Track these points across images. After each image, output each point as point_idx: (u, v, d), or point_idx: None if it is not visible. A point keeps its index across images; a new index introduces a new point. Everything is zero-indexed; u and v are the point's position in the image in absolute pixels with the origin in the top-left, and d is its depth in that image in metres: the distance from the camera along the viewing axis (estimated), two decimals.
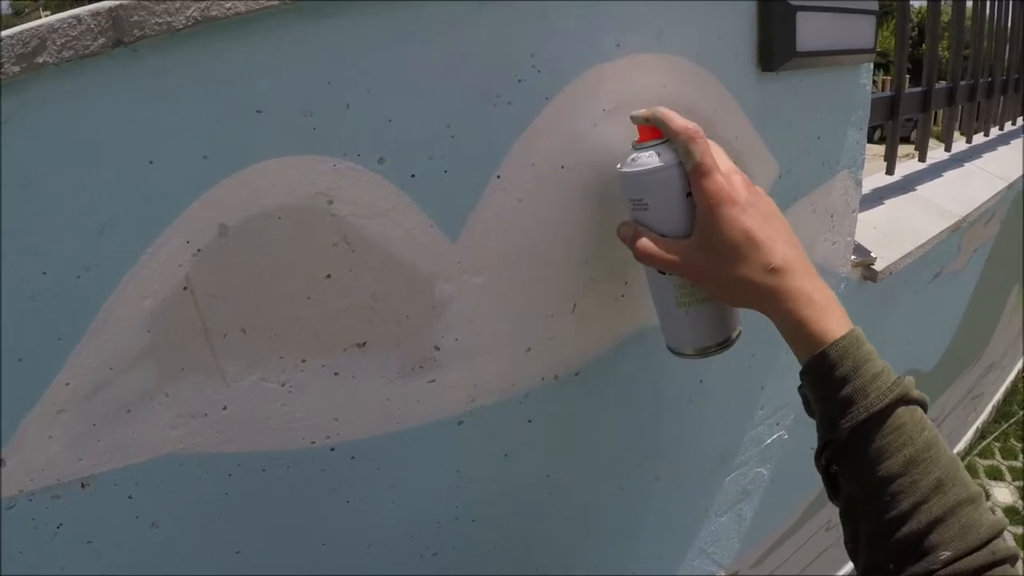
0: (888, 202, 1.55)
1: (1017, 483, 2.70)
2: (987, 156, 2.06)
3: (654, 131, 0.58)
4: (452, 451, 0.68)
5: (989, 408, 2.88)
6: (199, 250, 0.48)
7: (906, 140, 1.93)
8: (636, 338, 0.77)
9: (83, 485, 0.51)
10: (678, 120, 0.55)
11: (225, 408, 0.52)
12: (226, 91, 0.47)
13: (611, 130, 0.64)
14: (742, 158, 0.78)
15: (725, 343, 0.63)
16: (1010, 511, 2.56)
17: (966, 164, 1.93)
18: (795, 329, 0.53)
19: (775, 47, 0.75)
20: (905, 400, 0.49)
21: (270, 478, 0.57)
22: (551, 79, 0.59)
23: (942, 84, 1.77)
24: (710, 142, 0.57)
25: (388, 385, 0.60)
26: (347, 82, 0.50)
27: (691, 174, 0.55)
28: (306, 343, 0.54)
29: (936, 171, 1.82)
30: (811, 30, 0.78)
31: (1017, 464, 2.80)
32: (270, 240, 0.50)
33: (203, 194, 0.47)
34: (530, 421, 0.72)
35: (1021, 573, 0.45)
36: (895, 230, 1.42)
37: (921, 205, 1.59)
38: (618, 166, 0.61)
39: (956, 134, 2.05)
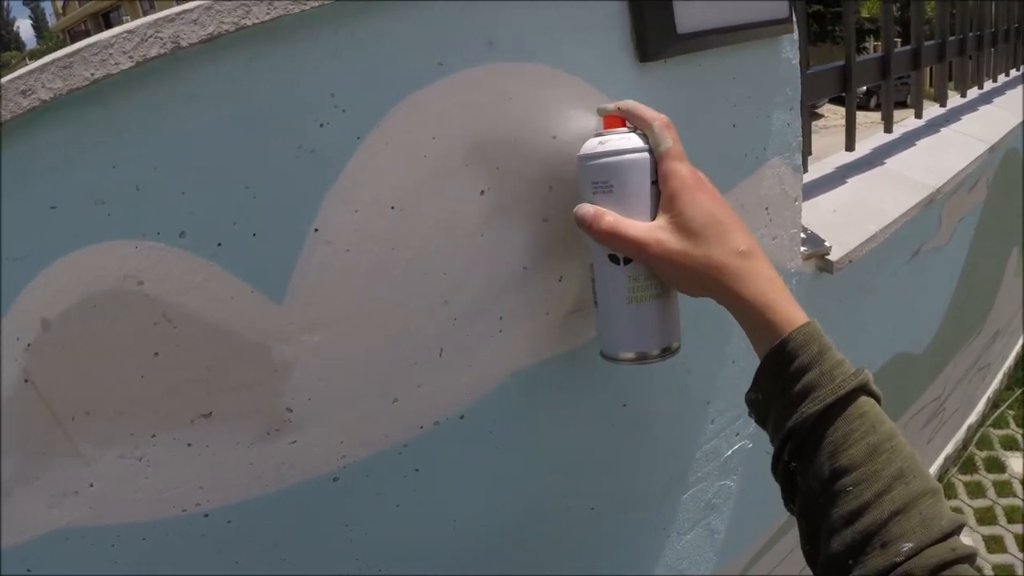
0: (852, 180, 1.45)
1: None
2: (966, 118, 1.94)
3: (619, 121, 0.59)
4: (334, 507, 0.65)
5: (999, 376, 2.76)
6: (29, 345, 0.49)
7: (902, 104, 1.83)
8: (528, 376, 0.70)
9: None
10: (649, 109, 0.57)
11: (92, 485, 0.53)
12: (19, 192, 0.46)
13: (446, 157, 0.59)
14: None
15: (665, 351, 0.61)
16: None
17: (943, 129, 1.82)
18: (761, 310, 0.52)
19: (650, 33, 0.66)
20: (867, 390, 0.49)
21: (151, 546, 0.57)
22: (359, 117, 0.55)
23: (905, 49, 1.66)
24: None
25: (246, 451, 0.58)
26: (131, 163, 0.48)
27: (663, 157, 0.56)
28: (151, 419, 0.53)
29: (908, 140, 1.71)
30: (695, 9, 0.70)
31: None
32: (92, 327, 0.50)
33: (21, 292, 0.48)
34: (417, 470, 0.68)
35: (978, 571, 0.44)
36: (859, 212, 1.33)
37: (889, 179, 1.49)
38: (580, 153, 0.60)
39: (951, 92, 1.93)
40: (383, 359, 0.61)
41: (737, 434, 1.04)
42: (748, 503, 1.14)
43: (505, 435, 0.72)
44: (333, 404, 0.60)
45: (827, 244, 1.11)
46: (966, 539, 2.20)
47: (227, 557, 0.61)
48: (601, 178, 0.57)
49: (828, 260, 1.12)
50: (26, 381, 0.49)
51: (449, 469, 0.70)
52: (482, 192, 0.61)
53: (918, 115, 1.83)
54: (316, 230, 0.54)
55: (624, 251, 0.57)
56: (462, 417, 0.68)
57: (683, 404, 0.93)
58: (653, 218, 0.56)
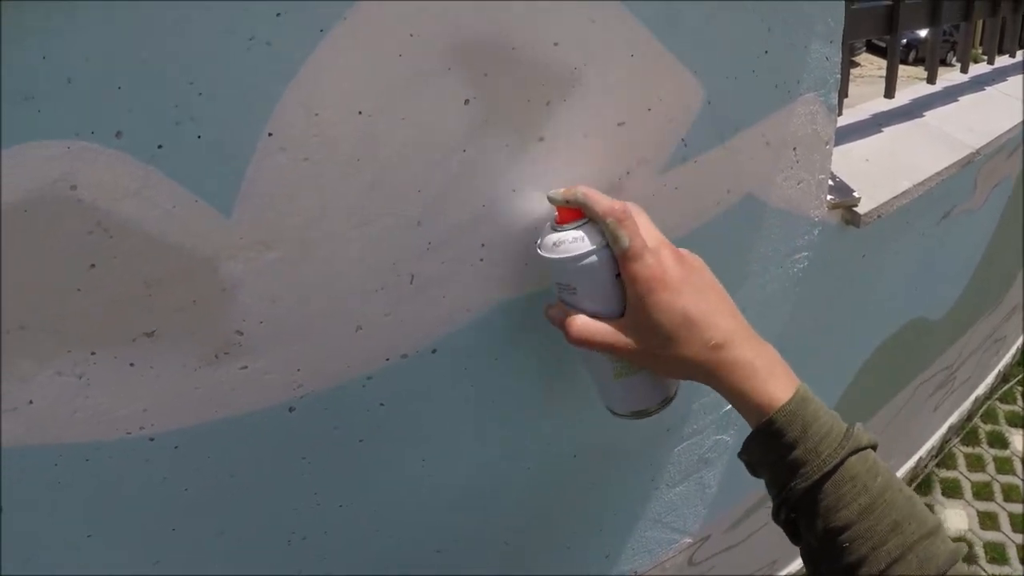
0: (888, 130, 1.33)
1: None
2: (1013, 80, 1.78)
3: (575, 211, 0.54)
4: (289, 438, 0.60)
5: (1013, 350, 2.66)
6: None
7: (943, 63, 1.68)
8: (511, 307, 0.64)
9: None
10: (603, 202, 0.52)
11: (31, 402, 0.48)
12: None
13: (425, 59, 0.51)
14: (646, 79, 0.61)
15: (665, 402, 0.60)
16: None
17: (987, 88, 1.67)
18: (740, 400, 0.52)
19: None
20: (859, 449, 0.49)
21: (95, 468, 0.53)
22: (322, 6, 0.46)
23: None
24: (635, 209, 0.54)
25: (193, 374, 0.53)
26: (62, 53, 0.40)
27: (620, 259, 0.52)
28: (90, 335, 0.48)
29: (951, 95, 1.57)
30: None
31: None
32: (23, 235, 0.44)
33: None
34: (382, 404, 0.62)
35: None
36: (892, 164, 1.21)
37: (928, 134, 1.37)
38: (537, 247, 0.56)
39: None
40: (345, 283, 0.54)
41: None
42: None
43: (482, 373, 0.66)
44: (288, 329, 0.54)
45: (856, 195, 1.01)
46: (960, 511, 2.14)
47: (175, 484, 0.56)
48: (563, 280, 0.55)
49: (855, 212, 1.02)
50: None
51: (418, 406, 0.64)
52: (467, 101, 0.53)
53: (964, 70, 1.69)
54: (270, 134, 0.47)
55: (596, 351, 0.55)
56: (434, 351, 0.61)
57: None
58: (623, 309, 0.54)
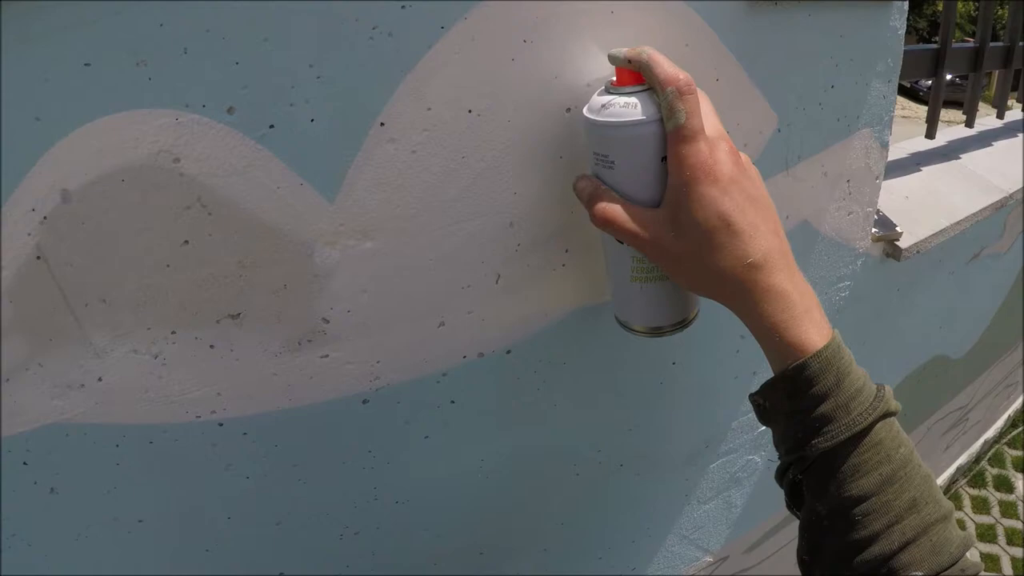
0: (926, 169, 1.34)
1: None
2: None
3: (635, 75, 0.46)
4: (359, 431, 0.59)
5: (1023, 397, 2.66)
6: (45, 218, 0.42)
7: (955, 104, 1.69)
8: (586, 314, 0.64)
9: None
10: (667, 66, 0.44)
11: (100, 379, 0.47)
12: (50, 43, 0.38)
13: (536, 66, 0.50)
14: (728, 103, 0.62)
15: (681, 324, 0.54)
16: None
17: (1020, 135, 1.69)
18: (768, 334, 0.45)
19: None
20: (889, 414, 0.44)
21: (159, 451, 0.51)
22: (446, 4, 0.46)
23: (998, 43, 1.52)
24: (701, 95, 0.46)
25: (273, 360, 0.51)
26: (182, 22, 0.40)
27: (671, 136, 0.44)
28: (173, 314, 0.47)
29: (985, 139, 1.58)
30: None
31: None
32: (117, 205, 0.42)
33: (40, 159, 0.40)
34: (453, 402, 0.62)
35: None
36: (930, 202, 1.22)
37: (964, 176, 1.38)
38: (584, 110, 0.48)
39: (1012, 102, 1.80)
40: (435, 277, 0.54)
41: None
42: (769, 480, 1.07)
43: (550, 376, 0.66)
44: (374, 320, 0.53)
45: (898, 229, 1.02)
46: (970, 553, 2.14)
47: (238, 472, 0.55)
48: (602, 151, 0.48)
49: (897, 246, 1.02)
50: (38, 258, 0.43)
51: (486, 405, 0.64)
52: (568, 110, 0.53)
53: (1001, 115, 1.70)
54: (382, 124, 0.46)
55: (621, 239, 0.48)
56: (509, 352, 0.61)
57: (731, 371, 0.86)
58: (662, 199, 0.46)
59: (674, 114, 0.43)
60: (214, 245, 0.45)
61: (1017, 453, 2.58)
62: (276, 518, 0.60)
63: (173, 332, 0.47)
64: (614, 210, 0.47)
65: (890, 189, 1.22)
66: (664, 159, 0.46)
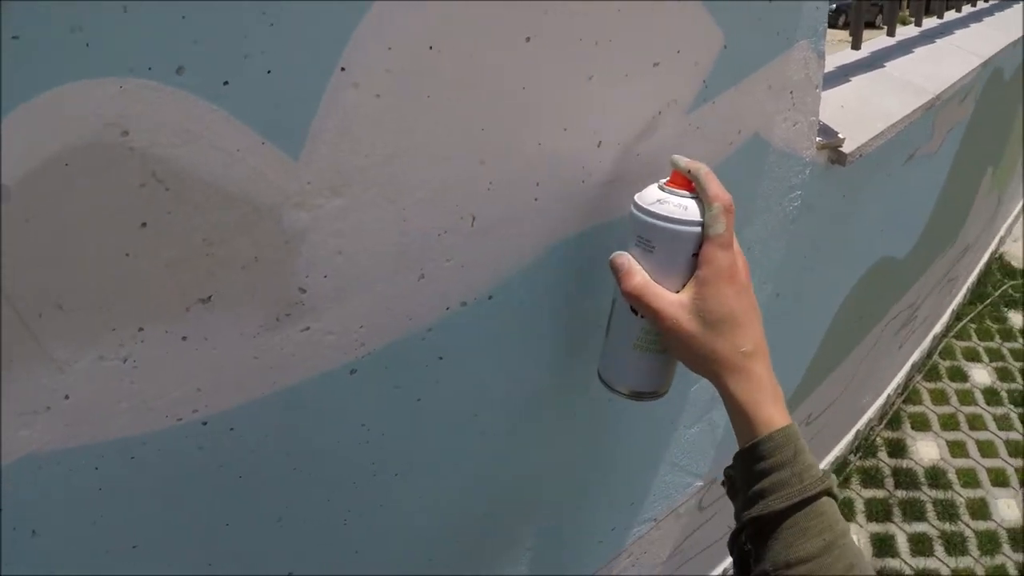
0: (855, 79, 1.39)
1: (994, 364, 2.66)
2: (960, 33, 1.88)
3: (687, 182, 0.57)
4: (350, 404, 0.57)
5: (964, 291, 2.80)
6: None
7: (871, 25, 1.74)
8: (559, 250, 0.64)
9: None
10: (717, 185, 0.56)
11: (67, 397, 0.43)
12: None
13: None
14: (677, 22, 0.62)
15: (656, 394, 0.64)
16: (988, 392, 2.52)
17: (938, 40, 1.76)
18: (744, 409, 0.54)
19: None
20: (830, 493, 0.52)
21: (142, 465, 0.48)
22: None
23: None
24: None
25: (252, 342, 0.49)
26: None
27: (710, 240, 0.55)
28: (138, 309, 0.43)
29: (906, 47, 1.64)
30: None
31: (993, 345, 2.76)
32: (63, 194, 0.38)
33: None
34: (441, 358, 0.61)
35: None
36: (864, 109, 1.27)
37: (892, 83, 1.43)
38: (636, 197, 0.58)
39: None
40: (410, 227, 0.52)
41: None
42: None
43: (531, 316, 0.66)
44: (353, 282, 0.51)
45: (840, 136, 1.05)
46: (931, 443, 2.26)
47: (230, 472, 0.53)
48: (647, 235, 0.57)
49: (841, 152, 1.06)
50: None
51: (474, 357, 0.63)
52: (528, 39, 0.52)
53: (919, 23, 1.77)
54: (343, 69, 0.44)
55: (643, 312, 0.57)
56: (490, 297, 0.61)
57: None
58: (681, 288, 0.57)
59: (716, 223, 0.55)
60: (175, 223, 0.42)
61: (965, 344, 2.73)
62: (276, 515, 0.58)
63: (140, 329, 0.44)
64: (643, 287, 0.56)
65: (824, 100, 1.25)
66: (694, 255, 0.56)
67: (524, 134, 0.55)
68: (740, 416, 0.55)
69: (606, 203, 0.65)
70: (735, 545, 0.54)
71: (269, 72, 0.42)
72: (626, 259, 0.58)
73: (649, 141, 0.66)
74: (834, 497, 0.53)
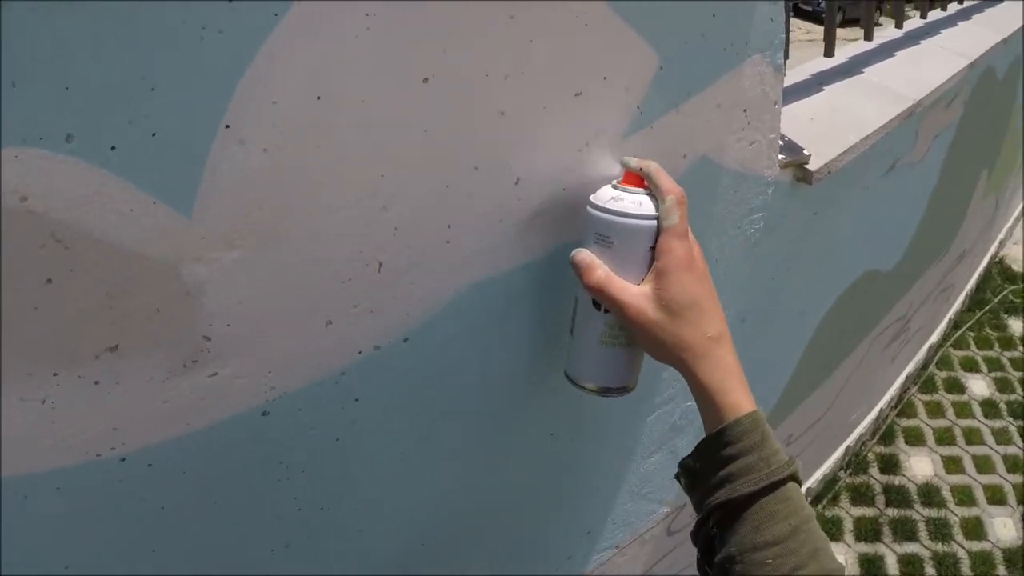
0: (829, 88, 1.36)
1: (993, 374, 2.61)
2: (946, 33, 1.84)
3: (639, 180, 0.60)
4: (265, 444, 0.59)
5: (962, 298, 2.76)
6: None
7: (856, 22, 1.72)
8: (483, 288, 0.64)
9: None
10: (668, 180, 0.59)
11: None
12: None
13: (384, 39, 0.49)
14: (601, 48, 0.61)
15: (623, 390, 0.65)
16: (986, 404, 2.48)
17: (922, 42, 1.72)
18: (714, 394, 0.56)
19: None
20: (796, 478, 0.53)
21: (67, 497, 0.51)
22: None
23: None
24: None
25: (161, 386, 0.51)
26: (4, 56, 0.38)
27: (666, 231, 0.57)
28: (51, 356, 0.46)
29: (887, 51, 1.61)
30: None
31: (992, 354, 2.71)
32: None
33: None
34: (357, 400, 0.62)
35: None
36: (837, 121, 1.25)
37: (869, 90, 1.41)
38: (592, 197, 0.61)
39: (910, 8, 1.84)
40: (311, 277, 0.53)
41: None
42: None
43: (455, 358, 0.66)
44: (257, 329, 0.53)
45: (806, 152, 1.03)
46: (925, 458, 2.23)
47: (151, 504, 0.55)
48: (604, 232, 0.59)
49: (807, 170, 1.04)
50: None
51: (393, 397, 0.64)
52: (425, 80, 0.52)
53: (899, 25, 1.73)
54: (227, 127, 0.45)
55: (607, 306, 0.59)
56: (406, 340, 0.61)
57: None
58: (641, 280, 0.58)
59: (671, 215, 0.57)
60: (78, 279, 0.44)
61: (963, 354, 2.68)
62: (199, 543, 0.60)
63: (55, 374, 0.46)
64: (605, 281, 0.58)
65: (794, 113, 1.23)
66: (651, 248, 0.58)
67: (428, 177, 0.56)
68: (707, 402, 0.56)
69: (528, 242, 0.65)
70: (699, 534, 0.55)
71: (154, 135, 0.43)
72: (586, 255, 0.59)
73: (576, 173, 0.64)
74: (798, 483, 0.54)
